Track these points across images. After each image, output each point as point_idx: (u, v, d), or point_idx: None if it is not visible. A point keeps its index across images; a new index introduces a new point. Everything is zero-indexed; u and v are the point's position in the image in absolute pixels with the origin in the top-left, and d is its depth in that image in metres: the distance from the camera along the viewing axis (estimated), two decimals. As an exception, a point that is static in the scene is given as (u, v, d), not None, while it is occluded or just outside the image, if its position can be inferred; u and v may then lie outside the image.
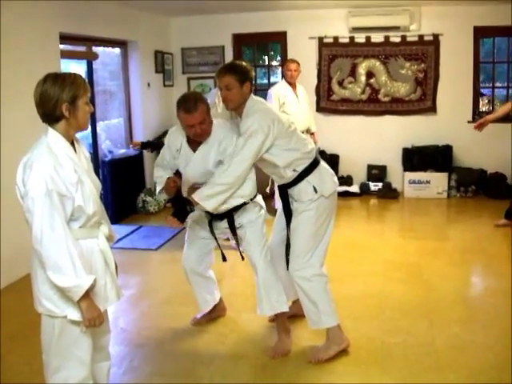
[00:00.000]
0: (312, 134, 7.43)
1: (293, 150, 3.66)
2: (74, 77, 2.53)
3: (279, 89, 7.17)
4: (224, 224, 3.98)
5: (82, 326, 2.57)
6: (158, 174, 4.03)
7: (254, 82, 3.74)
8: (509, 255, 5.91)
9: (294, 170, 3.69)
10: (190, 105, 3.58)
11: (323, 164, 3.84)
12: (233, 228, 3.95)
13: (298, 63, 7.18)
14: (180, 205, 3.60)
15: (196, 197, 3.53)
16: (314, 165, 3.75)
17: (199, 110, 3.58)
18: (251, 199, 3.86)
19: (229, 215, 3.89)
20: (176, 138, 3.91)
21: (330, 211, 3.81)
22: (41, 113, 2.51)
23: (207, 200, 3.53)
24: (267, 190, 3.88)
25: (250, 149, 3.53)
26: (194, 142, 3.80)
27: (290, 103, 7.06)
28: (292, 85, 7.17)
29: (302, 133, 6.88)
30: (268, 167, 3.77)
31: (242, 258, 4.11)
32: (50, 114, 2.50)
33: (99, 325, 2.58)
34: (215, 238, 4.08)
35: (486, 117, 6.79)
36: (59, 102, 2.46)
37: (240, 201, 3.74)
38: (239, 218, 3.93)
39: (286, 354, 3.91)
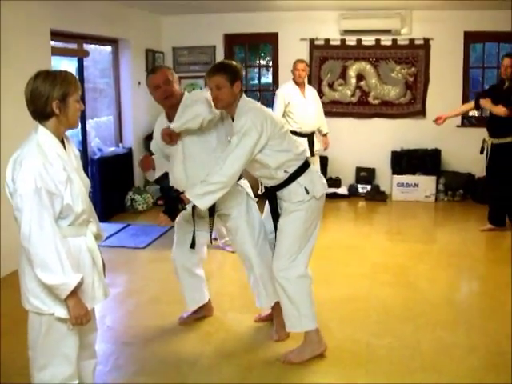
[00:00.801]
0: (324, 135, 7.55)
1: (285, 151, 3.66)
2: (64, 74, 2.54)
3: (285, 89, 7.21)
4: (204, 210, 3.98)
5: (69, 323, 2.57)
6: None
7: (244, 82, 3.79)
8: (493, 259, 5.95)
9: (285, 171, 3.68)
10: (155, 67, 4.10)
11: (312, 167, 3.86)
12: (212, 211, 3.98)
13: (307, 63, 7.29)
14: (171, 202, 3.60)
15: (189, 194, 3.53)
16: (304, 166, 3.75)
17: (162, 71, 3.95)
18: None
19: None
20: (159, 124, 4.15)
21: (317, 213, 3.82)
22: (31, 110, 2.52)
23: (200, 198, 3.53)
24: (259, 191, 3.89)
25: (245, 147, 3.52)
26: (172, 117, 3.95)
27: (295, 103, 7.09)
28: (300, 85, 7.21)
29: (312, 134, 7.01)
30: (258, 169, 3.75)
31: (211, 242, 4.42)
32: (40, 112, 2.50)
33: (86, 323, 2.58)
34: (194, 225, 4.06)
35: (446, 113, 7.02)
36: (50, 99, 2.47)
37: None
38: (222, 203, 3.95)
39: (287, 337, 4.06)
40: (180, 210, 3.57)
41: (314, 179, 3.77)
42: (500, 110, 6.30)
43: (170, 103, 3.94)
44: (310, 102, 7.27)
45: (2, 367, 3.69)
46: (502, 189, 6.61)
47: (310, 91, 7.40)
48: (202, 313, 4.49)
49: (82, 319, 2.55)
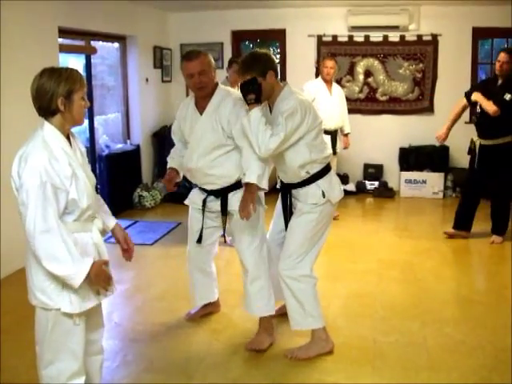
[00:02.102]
0: (345, 135, 7.60)
1: (315, 147, 3.62)
2: (70, 71, 2.56)
3: (312, 84, 7.30)
4: (216, 206, 3.97)
5: (75, 318, 2.60)
6: (173, 150, 4.19)
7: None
8: (501, 256, 5.93)
9: (307, 172, 3.65)
10: (192, 53, 3.77)
11: (333, 172, 3.84)
12: (224, 208, 3.93)
13: (335, 61, 7.34)
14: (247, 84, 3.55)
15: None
16: (326, 170, 3.73)
17: (200, 59, 3.72)
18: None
19: (223, 195, 3.91)
20: (184, 106, 4.06)
21: (329, 218, 3.81)
22: (37, 107, 2.54)
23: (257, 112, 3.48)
24: (277, 186, 3.85)
25: (288, 127, 3.43)
26: (201, 106, 3.86)
27: (320, 99, 7.12)
28: (328, 82, 7.28)
29: (335, 131, 7.15)
30: (282, 162, 3.69)
31: (225, 241, 4.41)
32: (45, 108, 2.52)
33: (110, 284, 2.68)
34: (202, 220, 4.06)
35: (445, 129, 6.52)
36: (55, 95, 2.49)
37: (225, 181, 3.86)
38: (232, 200, 3.89)
39: (262, 351, 3.91)
40: (252, 90, 3.50)
41: (333, 184, 3.75)
42: (490, 108, 5.89)
43: (203, 93, 3.81)
44: (336, 100, 7.32)
45: (3, 366, 3.70)
46: (501, 192, 6.28)
47: (337, 89, 7.45)
48: (210, 309, 4.51)
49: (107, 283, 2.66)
